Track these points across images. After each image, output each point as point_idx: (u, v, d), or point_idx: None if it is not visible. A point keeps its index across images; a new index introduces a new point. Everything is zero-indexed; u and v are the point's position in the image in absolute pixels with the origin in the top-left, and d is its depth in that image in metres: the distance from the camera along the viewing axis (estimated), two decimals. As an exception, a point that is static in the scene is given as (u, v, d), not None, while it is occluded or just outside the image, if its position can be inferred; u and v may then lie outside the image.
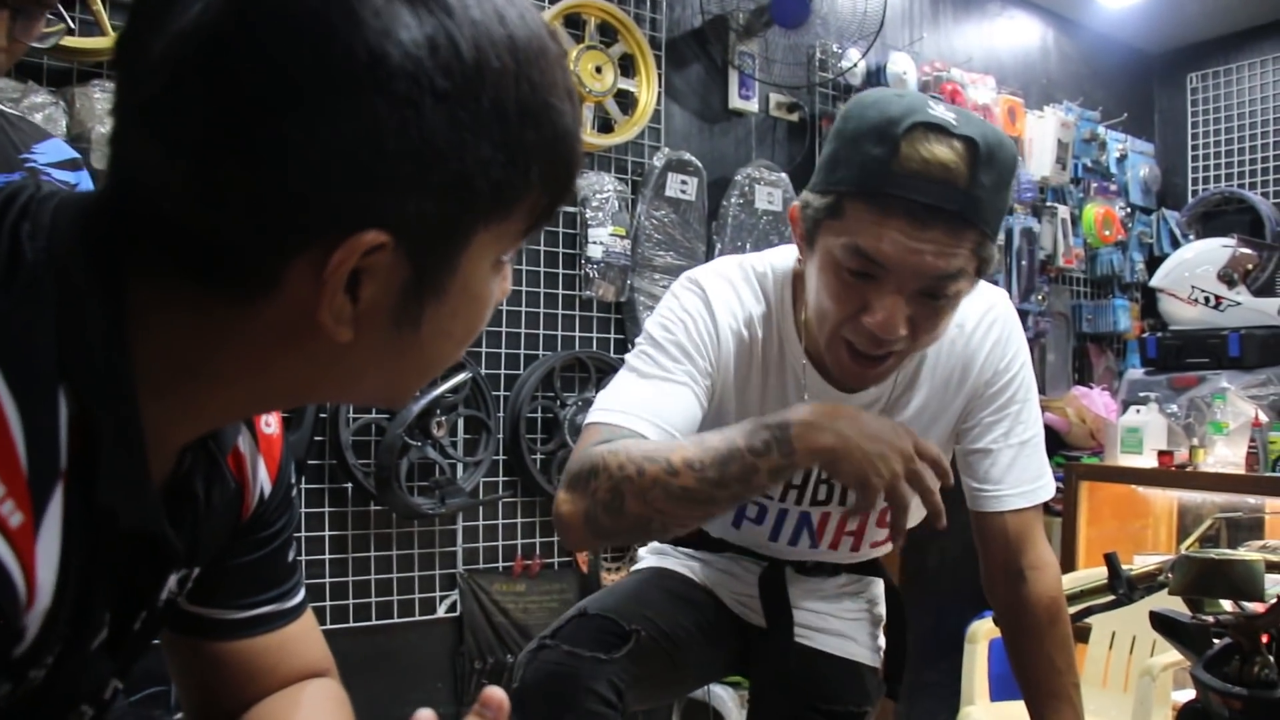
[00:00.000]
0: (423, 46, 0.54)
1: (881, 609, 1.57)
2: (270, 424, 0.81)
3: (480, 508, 2.72)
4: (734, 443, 1.08)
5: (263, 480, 0.80)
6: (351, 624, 2.53)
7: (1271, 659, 1.06)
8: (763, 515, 1.40)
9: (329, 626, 2.49)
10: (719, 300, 1.31)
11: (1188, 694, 1.24)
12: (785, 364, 1.32)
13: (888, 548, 1.48)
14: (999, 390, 1.33)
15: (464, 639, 2.68)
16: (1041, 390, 3.84)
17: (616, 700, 1.26)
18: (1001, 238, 3.26)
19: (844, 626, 1.50)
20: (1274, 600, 1.06)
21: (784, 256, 1.36)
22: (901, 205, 1.10)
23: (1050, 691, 1.30)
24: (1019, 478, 1.33)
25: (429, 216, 0.57)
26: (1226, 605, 1.13)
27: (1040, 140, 3.72)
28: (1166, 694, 2.37)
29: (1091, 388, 3.76)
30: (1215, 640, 1.13)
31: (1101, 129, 4.04)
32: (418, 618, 2.64)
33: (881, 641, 1.56)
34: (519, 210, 0.61)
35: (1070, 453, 3.71)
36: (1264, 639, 1.07)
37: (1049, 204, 3.79)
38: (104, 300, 0.57)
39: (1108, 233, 3.92)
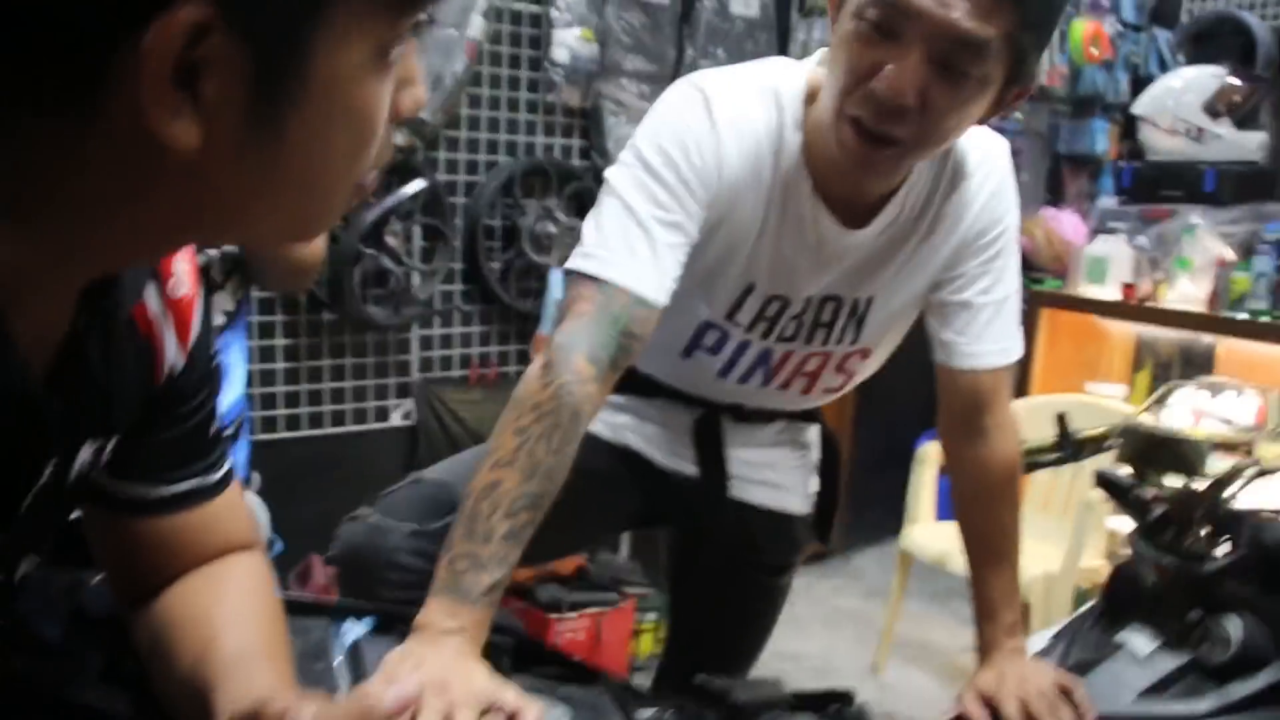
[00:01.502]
0: None
1: (815, 454, 1.54)
2: (181, 289, 0.75)
3: (437, 316, 2.68)
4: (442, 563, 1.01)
5: (173, 352, 0.75)
6: (304, 431, 2.54)
7: (1203, 534, 1.07)
8: (721, 344, 1.32)
9: (281, 435, 2.49)
10: (725, 117, 1.18)
11: (1123, 522, 1.26)
12: (793, 196, 1.22)
13: (839, 394, 1.45)
14: (989, 242, 1.26)
15: (418, 447, 2.70)
16: (1012, 211, 3.80)
17: (428, 568, 1.21)
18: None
19: (778, 477, 1.49)
20: (1215, 477, 1.06)
21: (796, 73, 1.23)
22: None
23: (995, 551, 1.30)
24: (996, 335, 1.27)
25: None
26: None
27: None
28: (1102, 523, 2.45)
29: (1062, 210, 3.72)
30: (1154, 507, 1.14)
31: (1099, -63, 3.85)
32: (371, 425, 2.65)
33: (814, 486, 1.55)
34: None
35: (1035, 273, 3.70)
36: (1199, 515, 1.07)
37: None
38: None
39: (1094, 51, 3.79)
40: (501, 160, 2.68)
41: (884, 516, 3.52)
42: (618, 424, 1.44)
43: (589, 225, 1.16)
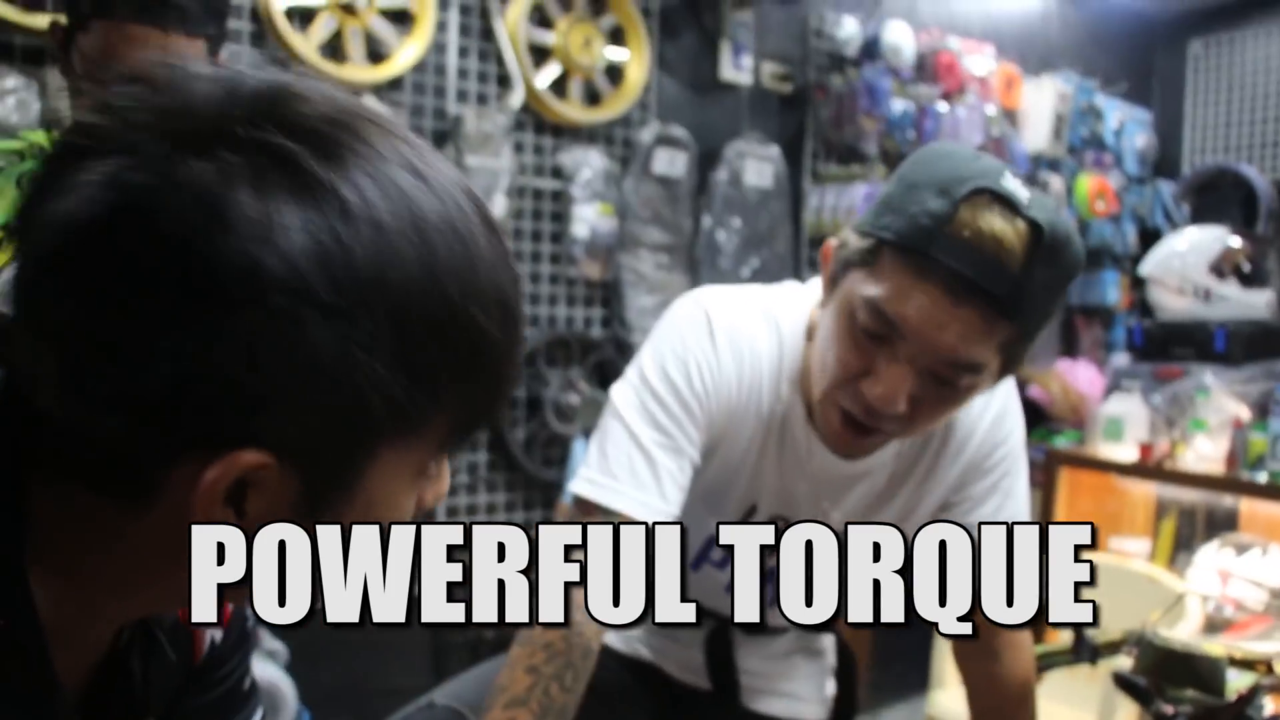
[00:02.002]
0: (309, 256, 0.49)
1: (831, 658, 1.54)
2: None
3: (463, 487, 2.72)
4: None
5: (212, 631, 0.79)
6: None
7: (1230, 752, 1.07)
8: (727, 560, 1.33)
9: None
10: (725, 337, 1.20)
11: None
12: (790, 425, 1.23)
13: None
14: (995, 464, 1.28)
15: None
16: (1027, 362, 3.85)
17: None
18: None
19: (793, 687, 1.48)
20: (1237, 695, 1.07)
21: (803, 299, 1.26)
22: (941, 271, 1.00)
23: None
24: None
25: (315, 437, 0.53)
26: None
27: (1036, 111, 3.67)
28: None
29: (1077, 361, 3.76)
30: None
31: (1099, 98, 3.98)
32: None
33: (830, 690, 1.54)
34: (431, 430, 0.57)
35: (1052, 425, 3.72)
36: (1224, 731, 1.08)
37: (1042, 176, 3.75)
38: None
39: (1100, 205, 3.89)
40: (525, 332, 2.75)
41: (909, 670, 3.47)
42: (630, 635, 1.45)
43: (593, 448, 1.20)
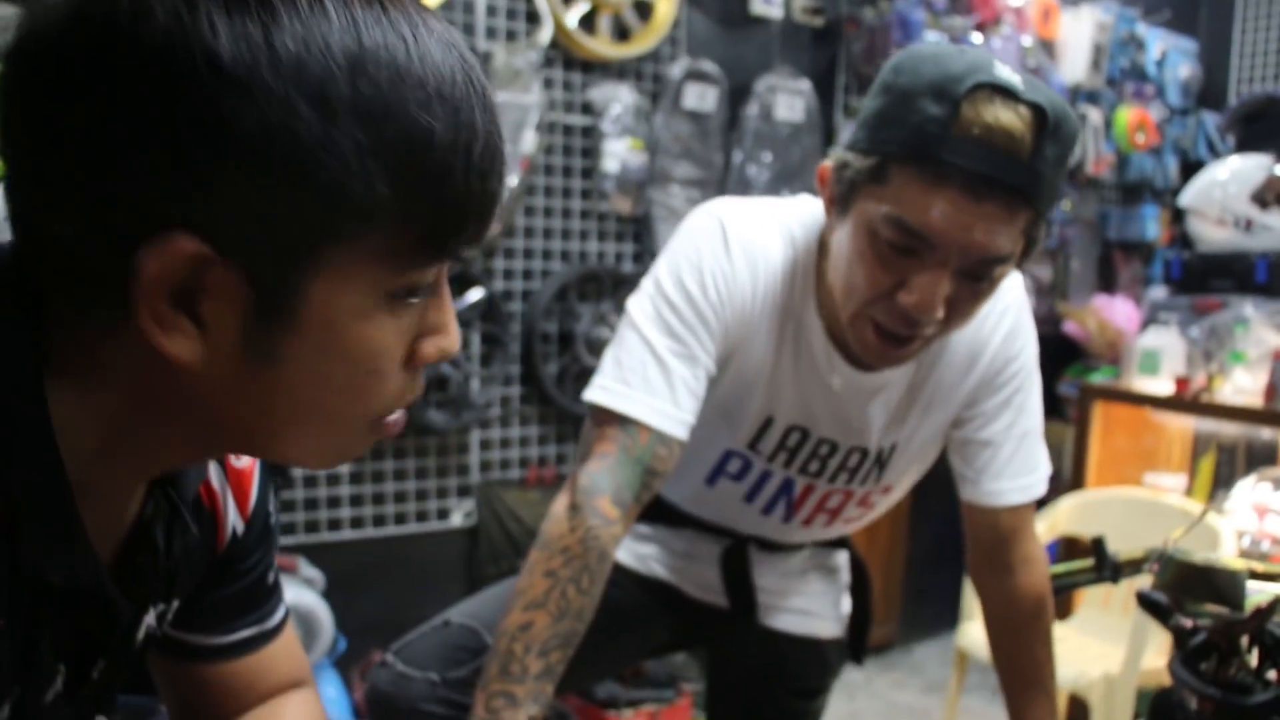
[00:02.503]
0: (230, 36, 0.50)
1: (846, 575, 1.55)
2: (242, 459, 0.81)
3: (496, 420, 2.75)
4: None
5: (234, 518, 0.81)
6: (368, 531, 2.61)
7: (1249, 663, 1.08)
8: (744, 472, 1.34)
9: (346, 535, 2.57)
10: (739, 247, 1.20)
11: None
12: (806, 337, 1.24)
13: (861, 524, 1.47)
14: (1007, 379, 1.28)
15: (479, 546, 2.76)
16: (1064, 297, 3.81)
17: (451, 715, 1.24)
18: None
19: (808, 603, 1.49)
20: (1255, 608, 1.07)
21: (817, 211, 1.25)
22: (957, 174, 1.00)
23: (1029, 682, 1.31)
24: (1017, 471, 1.29)
25: (250, 225, 0.53)
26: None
27: (1075, 42, 3.59)
28: (1163, 621, 2.41)
29: (1115, 297, 3.72)
30: (1195, 634, 1.15)
31: (1141, 27, 3.89)
32: (434, 526, 2.71)
33: (846, 607, 1.55)
34: (379, 236, 0.55)
35: (1088, 362, 3.69)
36: (1244, 641, 1.08)
37: (1080, 108, 3.68)
38: (16, 352, 0.56)
39: (1140, 138, 3.82)
40: (556, 268, 2.77)
41: (943, 609, 3.49)
42: (644, 554, 1.47)
43: (608, 356, 1.20)
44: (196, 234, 0.52)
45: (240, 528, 0.82)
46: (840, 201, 1.12)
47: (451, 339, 0.64)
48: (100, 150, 0.52)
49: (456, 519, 2.74)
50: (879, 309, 1.11)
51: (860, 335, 1.15)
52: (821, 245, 1.23)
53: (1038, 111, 1.02)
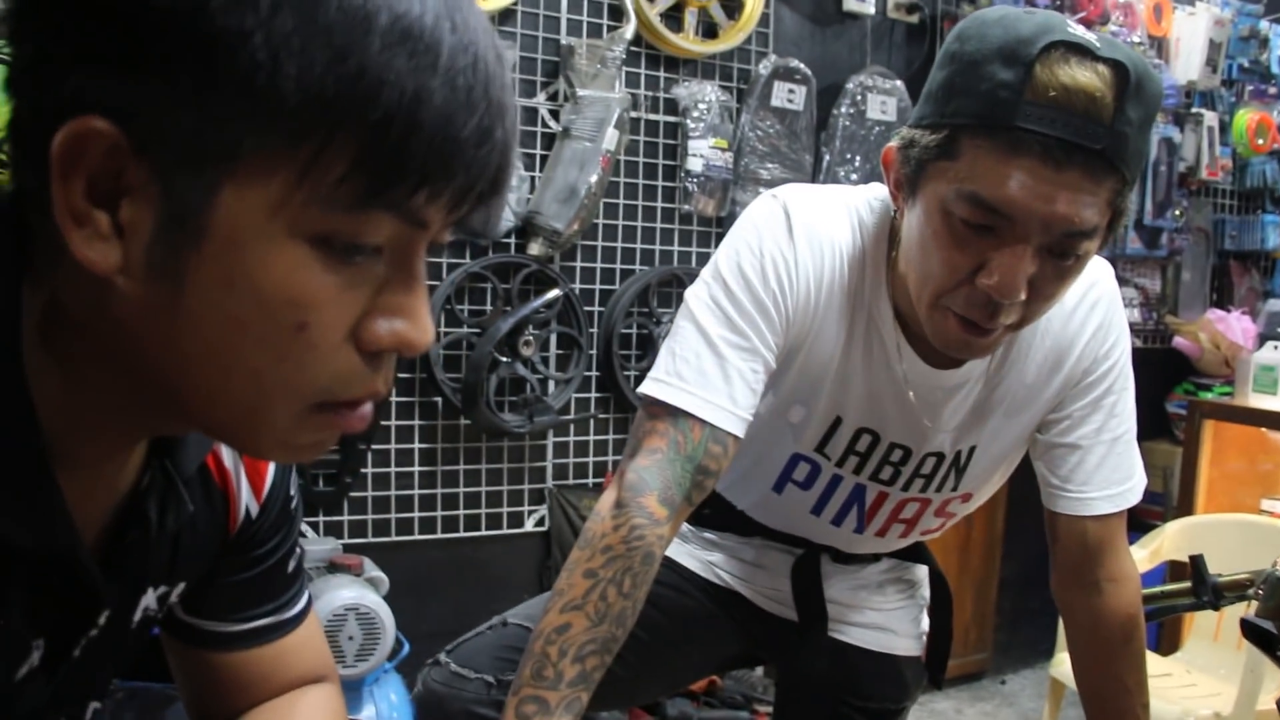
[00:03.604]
0: None
1: (925, 591, 1.46)
2: None
3: (571, 424, 2.70)
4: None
5: (247, 498, 0.76)
6: (439, 535, 2.57)
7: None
8: (812, 478, 1.26)
9: (418, 537, 2.53)
10: (804, 233, 1.13)
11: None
12: (876, 328, 1.16)
13: (938, 534, 1.38)
14: (1097, 380, 1.19)
15: (551, 552, 2.70)
16: (1173, 312, 3.61)
17: None
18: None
19: (883, 619, 1.41)
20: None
21: (880, 202, 1.18)
22: (1035, 141, 0.93)
23: (1117, 711, 1.20)
24: (1107, 479, 1.19)
25: (161, 109, 0.49)
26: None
27: (1189, 40, 3.41)
28: (1280, 657, 2.24)
29: (1230, 311, 3.52)
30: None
31: (1264, 24, 3.68)
32: (505, 531, 2.66)
33: (925, 625, 1.46)
34: (286, 144, 0.50)
35: (1200, 380, 3.50)
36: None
37: (1194, 110, 3.49)
38: None
39: (1261, 141, 3.60)
40: (636, 269, 2.70)
41: (1039, 635, 3.33)
42: (712, 561, 1.40)
43: (665, 348, 1.13)
44: (110, 119, 0.49)
45: (254, 509, 0.78)
46: (909, 184, 1.05)
47: (415, 327, 0.56)
48: (46, 35, 0.50)
49: (529, 524, 2.68)
50: (957, 298, 1.02)
51: (939, 327, 1.06)
52: (892, 234, 1.15)
53: (1118, 69, 0.93)
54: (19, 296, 0.54)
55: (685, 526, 1.38)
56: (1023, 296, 0.99)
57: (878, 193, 1.19)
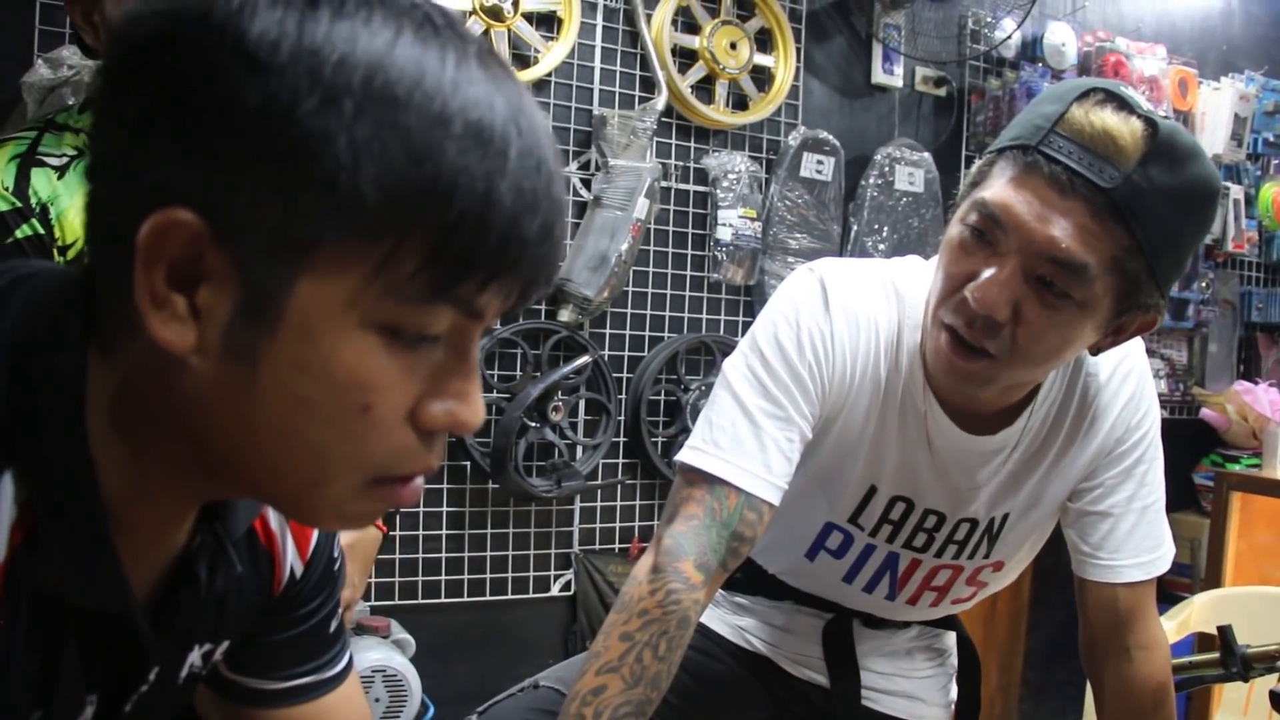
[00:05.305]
0: (263, 21, 0.51)
1: (954, 660, 1.46)
2: None
3: (598, 489, 2.71)
4: None
5: (292, 558, 0.79)
6: (465, 599, 2.57)
7: None
8: (845, 548, 1.27)
9: (445, 600, 2.54)
10: (840, 307, 1.16)
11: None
12: (910, 397, 1.18)
13: (969, 605, 1.38)
14: (1129, 449, 1.21)
15: (576, 617, 2.70)
16: (1200, 384, 3.61)
17: None
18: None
19: (913, 687, 1.41)
20: None
21: (920, 272, 1.21)
22: (1047, 166, 0.99)
23: None
24: (1138, 546, 1.20)
25: (244, 202, 0.51)
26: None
27: (1214, 114, 3.44)
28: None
29: (1258, 383, 3.51)
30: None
31: (1288, 100, 3.72)
32: (531, 595, 2.66)
33: (953, 694, 1.46)
34: (362, 240, 0.52)
35: (1227, 452, 3.48)
36: None
37: (1220, 184, 3.51)
38: (56, 376, 0.56)
39: (1287, 215, 3.62)
40: (665, 336, 2.73)
41: (1064, 706, 3.29)
42: (742, 626, 1.41)
43: (701, 416, 1.16)
44: (194, 210, 0.51)
45: (299, 569, 0.80)
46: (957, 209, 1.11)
47: (468, 409, 0.60)
48: (131, 129, 0.53)
49: (555, 588, 2.69)
50: (949, 308, 1.07)
51: (935, 345, 1.10)
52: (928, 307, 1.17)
53: (1150, 124, 0.98)
54: (84, 371, 0.57)
55: (717, 591, 1.39)
56: (1002, 315, 1.02)
57: (912, 266, 1.23)
